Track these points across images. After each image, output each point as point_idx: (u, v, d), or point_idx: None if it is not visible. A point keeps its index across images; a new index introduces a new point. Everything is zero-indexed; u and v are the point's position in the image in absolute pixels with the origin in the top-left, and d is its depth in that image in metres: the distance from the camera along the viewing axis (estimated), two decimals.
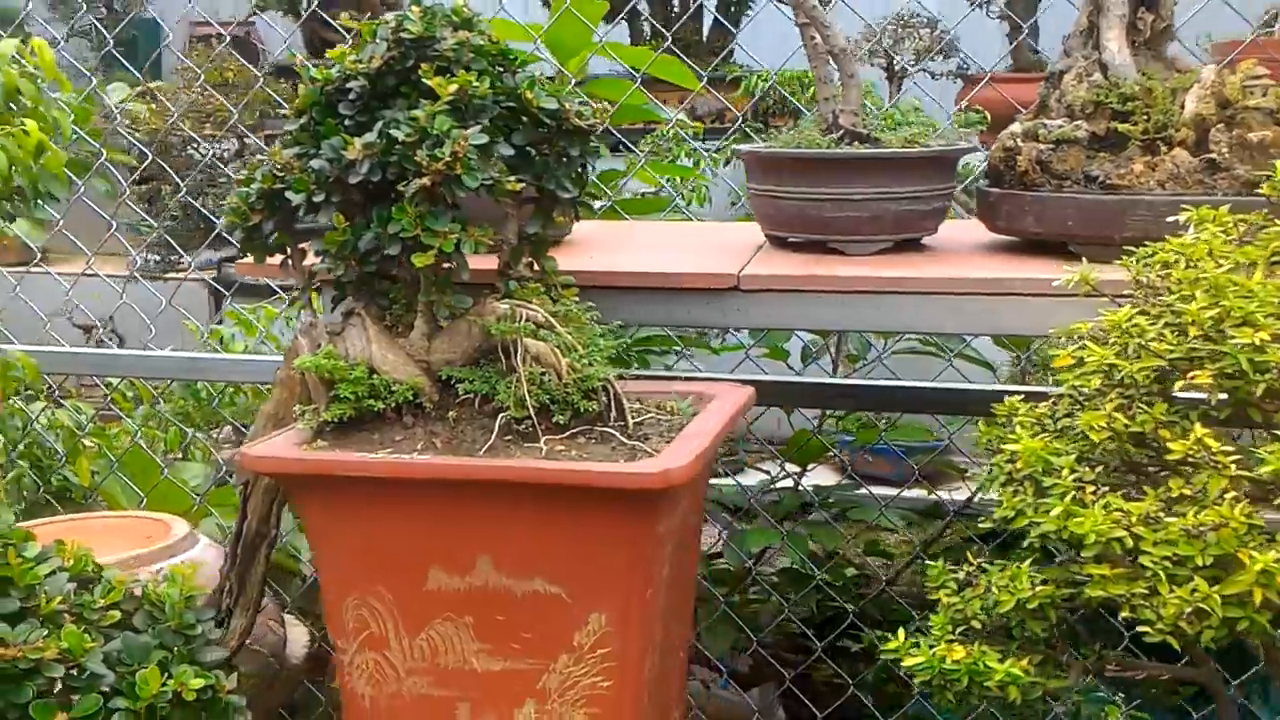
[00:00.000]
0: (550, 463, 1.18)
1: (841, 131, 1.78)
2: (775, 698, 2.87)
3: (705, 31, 5.57)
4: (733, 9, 5.24)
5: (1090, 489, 1.00)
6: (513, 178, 1.29)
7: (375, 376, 1.28)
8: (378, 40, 1.30)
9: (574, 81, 2.43)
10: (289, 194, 1.28)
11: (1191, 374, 0.99)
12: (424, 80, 1.24)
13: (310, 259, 1.39)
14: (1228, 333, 0.98)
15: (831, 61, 1.83)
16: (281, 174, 1.29)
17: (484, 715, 1.24)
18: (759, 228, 1.80)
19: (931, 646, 1.03)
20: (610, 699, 1.21)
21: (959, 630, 1.06)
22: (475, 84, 1.26)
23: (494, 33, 1.36)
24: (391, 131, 1.23)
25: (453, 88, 1.23)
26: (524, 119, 1.36)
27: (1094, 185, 1.63)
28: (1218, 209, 1.19)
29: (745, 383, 1.53)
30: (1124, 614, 0.94)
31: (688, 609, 1.41)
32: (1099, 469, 1.04)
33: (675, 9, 5.17)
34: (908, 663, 1.04)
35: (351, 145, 1.24)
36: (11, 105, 1.89)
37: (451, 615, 1.22)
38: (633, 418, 1.31)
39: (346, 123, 1.30)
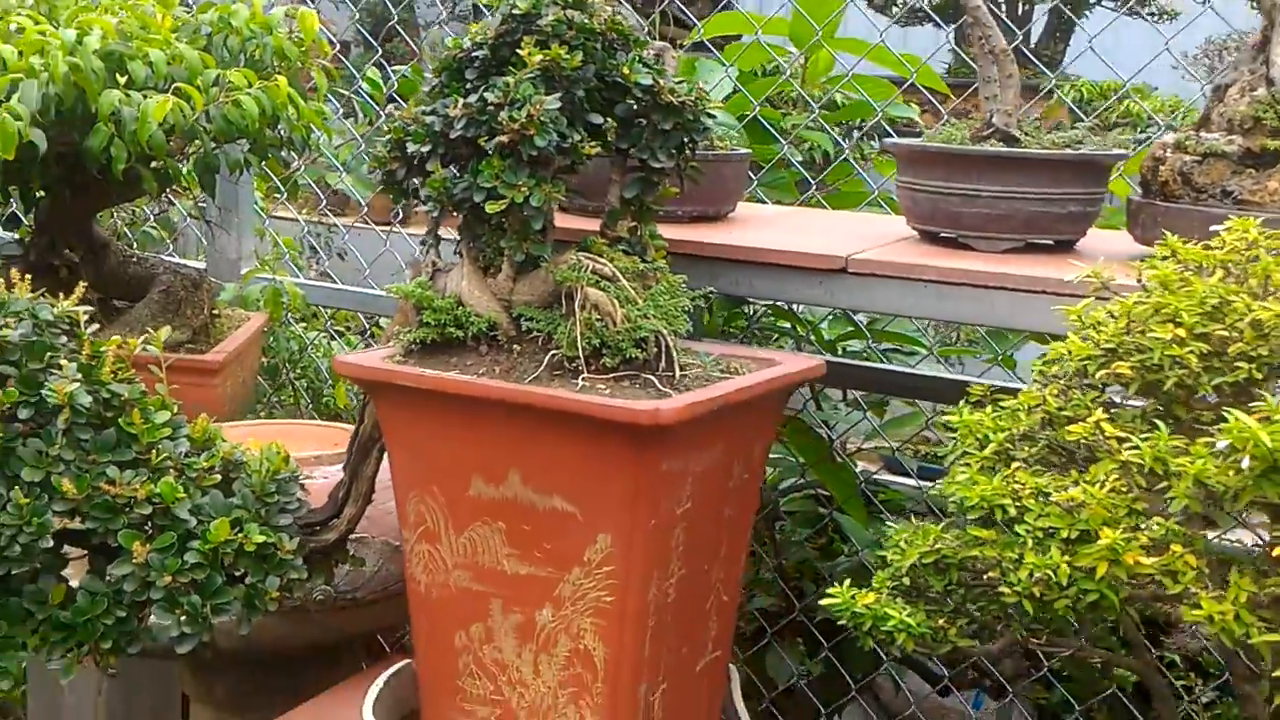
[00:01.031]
0: (559, 391, 1.33)
1: (992, 130, 1.81)
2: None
3: (1033, 38, 5.44)
4: (1066, 13, 5.11)
5: (1016, 464, 1.04)
6: (594, 143, 1.45)
7: (461, 309, 1.47)
8: (496, 14, 1.48)
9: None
10: (409, 144, 1.49)
11: (1115, 364, 1.01)
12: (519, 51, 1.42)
13: None
14: (1152, 327, 0.99)
15: (993, 62, 1.86)
16: (410, 127, 1.51)
17: (512, 612, 1.41)
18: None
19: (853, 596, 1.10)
20: (613, 612, 1.35)
21: (893, 586, 1.12)
22: (566, 57, 1.42)
23: (606, 14, 1.51)
24: (486, 95, 1.42)
25: (538, 58, 1.40)
26: (627, 94, 1.51)
27: (1227, 200, 1.60)
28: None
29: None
30: (991, 574, 0.98)
31: (734, 555, 1.51)
32: (1035, 448, 1.07)
33: (1003, 10, 5.10)
34: (825, 603, 1.12)
35: (455, 104, 1.44)
36: (277, 63, 2.22)
37: (488, 520, 1.39)
38: (681, 370, 1.43)
39: (467, 86, 1.50)
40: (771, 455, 2.66)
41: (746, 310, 2.60)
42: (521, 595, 1.40)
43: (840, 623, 2.53)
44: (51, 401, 1.30)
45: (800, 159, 2.61)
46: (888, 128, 2.59)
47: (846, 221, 2.14)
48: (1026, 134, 1.81)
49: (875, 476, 2.66)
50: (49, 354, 1.33)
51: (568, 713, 1.39)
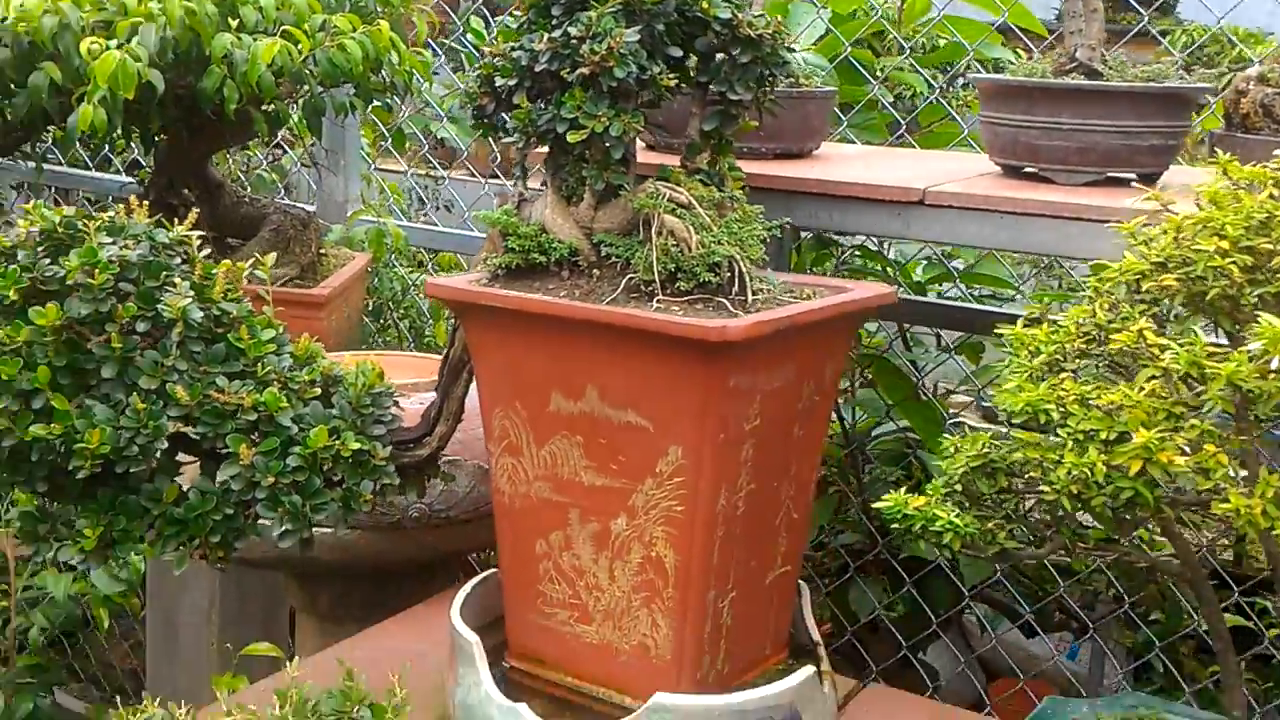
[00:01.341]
0: (635, 310, 1.40)
1: (1075, 64, 1.83)
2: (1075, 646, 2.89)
3: None
4: None
5: (1065, 375, 1.08)
6: (674, 76, 1.51)
7: (544, 235, 1.55)
8: None
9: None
10: (497, 79, 1.56)
11: (1162, 277, 1.04)
12: None
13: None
14: (1198, 240, 1.03)
15: None
16: (498, 63, 1.58)
17: (589, 521, 1.49)
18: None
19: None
20: (684, 521, 1.42)
21: (946, 492, 1.17)
22: None
23: None
24: (569, 29, 1.48)
25: None
26: (707, 28, 1.56)
27: None
28: None
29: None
30: (1033, 474, 1.03)
31: (804, 475, 1.56)
32: (1086, 361, 1.11)
33: None
34: (878, 506, 1.18)
35: (540, 39, 1.50)
36: (380, 9, 2.31)
37: (567, 434, 1.47)
38: (753, 294, 1.48)
39: (553, 22, 1.56)
40: (859, 398, 2.71)
41: (834, 251, 2.64)
42: (598, 505, 1.47)
43: (922, 559, 2.58)
44: (166, 316, 1.40)
45: (891, 99, 2.63)
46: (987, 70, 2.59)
47: (930, 159, 2.17)
48: (1110, 68, 1.82)
49: (963, 419, 2.69)
50: (164, 273, 1.44)
51: (640, 616, 1.47)
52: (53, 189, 3.38)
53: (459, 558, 2.30)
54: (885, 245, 2.60)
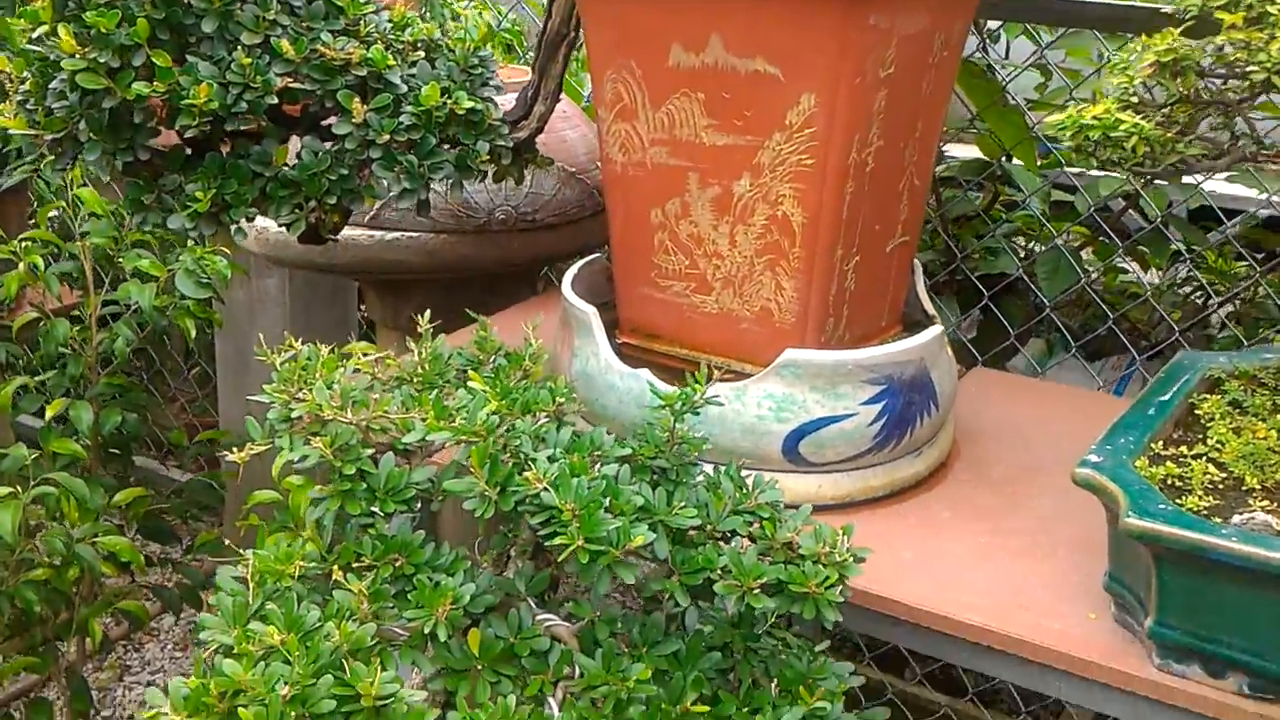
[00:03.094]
0: None
1: None
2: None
3: None
4: None
5: None
6: None
7: None
8: None
9: None
10: None
11: None
12: None
13: None
14: None
15: None
16: None
17: (709, 185, 1.43)
18: None
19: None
20: (813, 175, 1.36)
21: (1121, 104, 1.11)
22: None
23: None
24: None
25: None
26: None
27: None
28: None
29: None
30: (1238, 56, 0.97)
31: (928, 137, 1.50)
32: None
33: None
34: (1049, 121, 1.12)
35: None
36: None
37: (687, 91, 1.40)
38: None
39: None
40: None
41: None
42: (719, 167, 1.42)
43: (999, 275, 2.53)
44: None
45: None
46: None
47: None
48: None
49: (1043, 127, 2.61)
50: None
51: (764, 280, 1.43)
52: None
53: (540, 267, 2.26)
54: None
